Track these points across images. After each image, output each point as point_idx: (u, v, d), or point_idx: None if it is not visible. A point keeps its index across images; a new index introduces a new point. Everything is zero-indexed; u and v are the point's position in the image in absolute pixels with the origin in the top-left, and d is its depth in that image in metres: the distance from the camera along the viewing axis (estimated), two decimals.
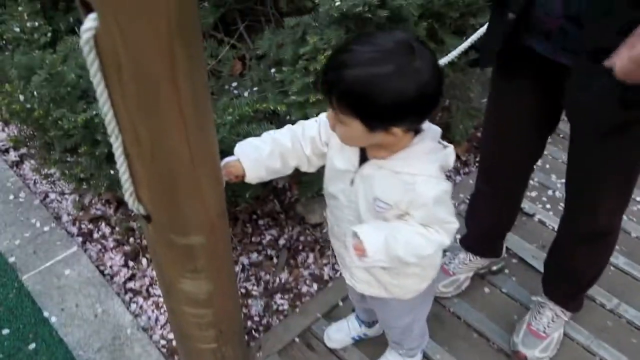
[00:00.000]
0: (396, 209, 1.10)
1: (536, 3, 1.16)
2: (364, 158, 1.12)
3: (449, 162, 1.09)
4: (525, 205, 2.27)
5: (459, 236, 2.05)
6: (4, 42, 2.02)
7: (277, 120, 1.94)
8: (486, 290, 1.96)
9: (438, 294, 1.89)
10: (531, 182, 2.38)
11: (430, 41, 2.25)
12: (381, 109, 0.95)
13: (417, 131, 1.07)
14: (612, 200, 1.40)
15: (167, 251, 1.23)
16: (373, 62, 0.93)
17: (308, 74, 1.76)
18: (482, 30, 1.56)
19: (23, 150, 2.34)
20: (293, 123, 1.83)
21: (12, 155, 2.37)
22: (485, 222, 1.82)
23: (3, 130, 2.47)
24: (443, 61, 1.82)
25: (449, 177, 2.49)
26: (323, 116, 1.19)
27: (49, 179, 2.18)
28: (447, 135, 2.62)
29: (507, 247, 2.06)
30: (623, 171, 1.33)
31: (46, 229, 1.99)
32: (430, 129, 1.09)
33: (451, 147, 1.10)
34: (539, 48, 1.24)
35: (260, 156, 1.18)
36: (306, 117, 1.77)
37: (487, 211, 1.77)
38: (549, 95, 1.34)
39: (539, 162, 2.39)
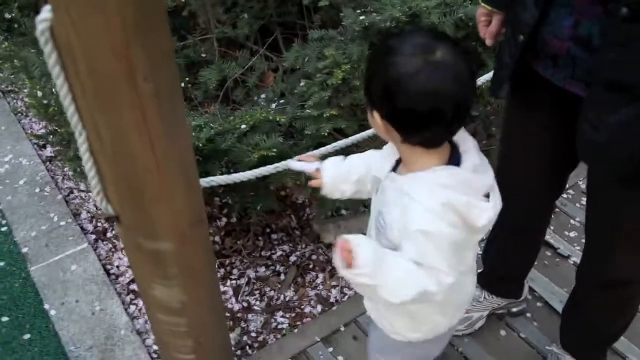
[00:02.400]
0: (390, 233, 1.00)
1: (545, 23, 1.06)
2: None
3: (472, 218, 0.92)
4: (561, 245, 2.11)
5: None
6: None
7: (296, 132, 1.90)
8: (502, 333, 1.82)
9: None
10: (572, 221, 2.22)
11: None
12: (369, 83, 0.92)
13: (456, 162, 0.96)
14: (633, 247, 1.26)
15: (137, 254, 1.20)
16: (400, 38, 0.91)
17: (325, 88, 1.72)
18: None
19: (59, 147, 2.42)
20: (306, 137, 1.80)
21: (48, 151, 2.46)
22: (501, 263, 1.69)
23: (46, 127, 2.57)
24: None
25: None
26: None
27: (75, 176, 2.23)
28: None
29: (532, 288, 1.91)
30: None
31: (62, 223, 2.04)
32: (469, 173, 0.94)
33: (487, 204, 0.93)
34: (547, 74, 1.13)
35: (340, 174, 1.17)
36: (319, 132, 1.72)
37: (503, 252, 1.65)
38: (566, 128, 1.22)
39: (583, 200, 2.23)
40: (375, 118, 0.93)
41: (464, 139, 0.98)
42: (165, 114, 0.95)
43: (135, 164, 0.99)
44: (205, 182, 1.19)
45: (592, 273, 1.39)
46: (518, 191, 1.44)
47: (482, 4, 1.27)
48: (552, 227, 2.17)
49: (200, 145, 1.47)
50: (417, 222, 0.91)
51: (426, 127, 0.89)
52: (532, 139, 1.32)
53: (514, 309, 1.84)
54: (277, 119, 1.55)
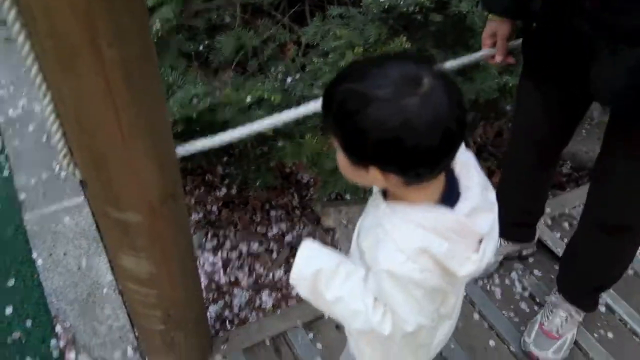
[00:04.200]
0: (366, 259, 0.91)
1: None
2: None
3: (452, 267, 0.82)
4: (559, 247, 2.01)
5: None
6: None
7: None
8: (491, 343, 1.74)
9: None
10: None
11: None
12: (351, 136, 0.76)
13: (452, 198, 0.84)
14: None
15: (105, 222, 1.17)
16: (367, 78, 0.75)
17: (336, 69, 1.64)
18: None
19: None
20: (310, 119, 1.73)
21: None
22: (513, 211, 1.72)
23: None
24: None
25: None
26: None
27: None
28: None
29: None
30: None
31: (63, 174, 2.04)
32: (463, 217, 0.82)
33: (474, 256, 0.83)
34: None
35: None
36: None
37: (513, 198, 1.69)
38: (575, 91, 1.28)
39: None
40: (371, 173, 0.79)
41: (469, 173, 0.86)
42: (133, 83, 0.90)
43: (98, 132, 0.94)
44: (184, 150, 1.15)
45: (595, 218, 1.43)
46: (525, 142, 1.54)
47: (494, 18, 1.30)
48: None
49: (194, 116, 1.42)
50: (385, 262, 0.82)
51: (439, 159, 0.77)
52: (546, 101, 1.38)
53: (524, 252, 1.91)
54: (272, 98, 1.48)
